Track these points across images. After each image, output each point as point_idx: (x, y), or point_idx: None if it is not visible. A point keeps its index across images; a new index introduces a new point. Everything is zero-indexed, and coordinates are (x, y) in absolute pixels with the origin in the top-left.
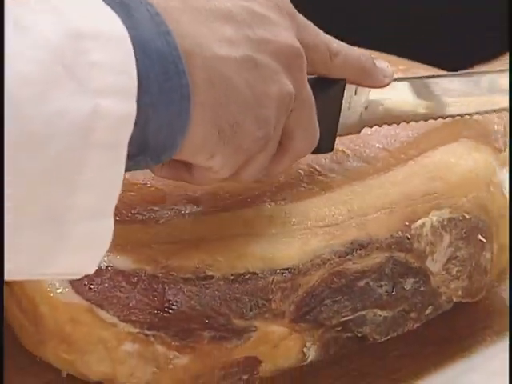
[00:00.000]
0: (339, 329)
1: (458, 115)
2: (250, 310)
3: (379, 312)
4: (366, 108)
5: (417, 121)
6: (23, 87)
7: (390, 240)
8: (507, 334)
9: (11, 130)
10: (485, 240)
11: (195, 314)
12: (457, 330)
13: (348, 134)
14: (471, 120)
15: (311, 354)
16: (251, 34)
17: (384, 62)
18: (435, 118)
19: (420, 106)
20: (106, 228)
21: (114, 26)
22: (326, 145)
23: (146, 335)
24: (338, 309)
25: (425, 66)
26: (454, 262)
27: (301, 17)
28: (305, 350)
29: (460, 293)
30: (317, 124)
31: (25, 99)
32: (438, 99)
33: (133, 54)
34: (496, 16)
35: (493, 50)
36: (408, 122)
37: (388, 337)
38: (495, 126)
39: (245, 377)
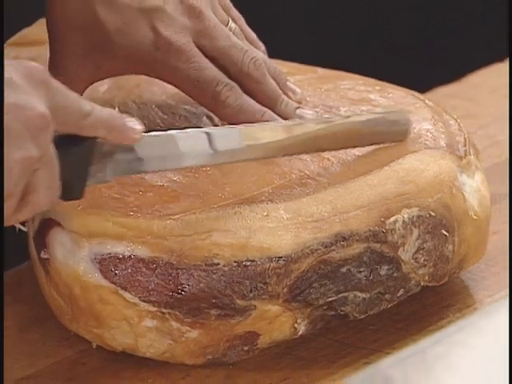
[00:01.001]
0: (325, 308)
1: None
2: (250, 292)
3: (359, 294)
4: (115, 160)
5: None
6: None
7: (368, 233)
8: (467, 311)
9: None
10: (447, 234)
11: (204, 295)
12: (424, 308)
13: (101, 183)
14: (434, 131)
15: (301, 328)
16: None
17: (134, 122)
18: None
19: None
20: None
21: None
22: (75, 194)
23: (163, 313)
24: (324, 291)
25: (399, 87)
26: (421, 252)
27: (53, 82)
28: (296, 325)
29: (427, 278)
30: (58, 181)
31: None
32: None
33: None
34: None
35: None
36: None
37: (366, 314)
38: (456, 137)
39: (246, 348)
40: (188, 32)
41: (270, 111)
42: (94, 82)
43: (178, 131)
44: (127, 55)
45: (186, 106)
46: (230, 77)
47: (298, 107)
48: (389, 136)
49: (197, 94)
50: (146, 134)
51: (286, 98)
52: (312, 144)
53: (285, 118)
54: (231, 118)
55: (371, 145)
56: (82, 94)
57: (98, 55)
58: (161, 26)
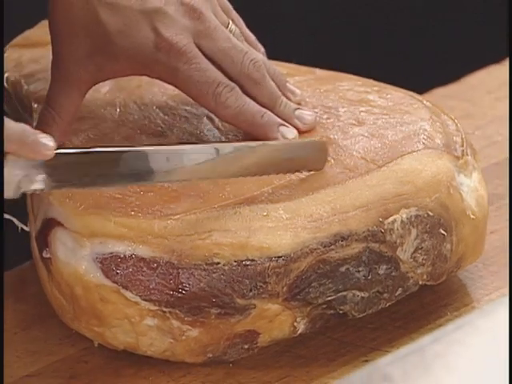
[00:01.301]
0: (324, 307)
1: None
2: (250, 291)
3: (357, 293)
4: (25, 176)
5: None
6: None
7: (366, 233)
8: (465, 309)
9: None
10: (445, 233)
11: (204, 294)
12: (422, 307)
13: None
14: (432, 131)
15: (301, 327)
16: None
17: (47, 138)
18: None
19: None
20: None
21: None
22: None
23: (164, 312)
24: (323, 290)
25: (398, 88)
26: (419, 251)
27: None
28: (295, 324)
29: (425, 277)
30: None
31: None
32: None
33: None
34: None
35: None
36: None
37: (365, 313)
38: (454, 138)
39: (246, 346)
40: (189, 33)
41: (269, 112)
42: (95, 84)
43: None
44: (129, 56)
45: (187, 107)
46: (229, 78)
47: (297, 108)
48: (307, 163)
49: (197, 94)
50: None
51: (285, 99)
52: (231, 168)
53: (284, 119)
54: (231, 118)
55: (288, 172)
56: (84, 96)
57: (99, 57)
58: (162, 27)
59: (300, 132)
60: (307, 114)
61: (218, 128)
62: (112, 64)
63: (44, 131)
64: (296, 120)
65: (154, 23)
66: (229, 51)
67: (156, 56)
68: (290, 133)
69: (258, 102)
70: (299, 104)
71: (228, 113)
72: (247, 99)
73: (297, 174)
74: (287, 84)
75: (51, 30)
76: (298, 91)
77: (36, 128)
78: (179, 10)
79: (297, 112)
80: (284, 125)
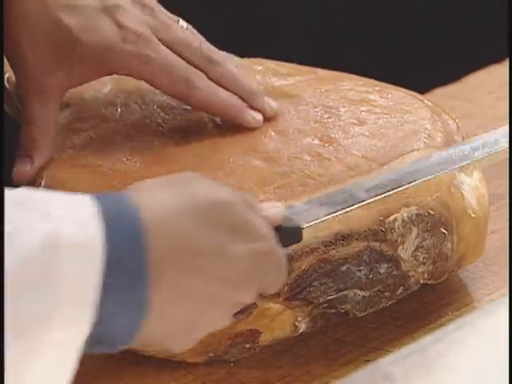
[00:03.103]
0: (325, 306)
1: None
2: None
3: (358, 292)
4: None
5: None
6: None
7: (367, 232)
8: (466, 309)
9: None
10: (446, 232)
11: None
12: (423, 307)
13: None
14: (433, 131)
15: (302, 326)
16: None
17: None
18: None
19: None
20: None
21: (94, 240)
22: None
23: None
24: (324, 289)
25: (399, 88)
26: (420, 250)
27: None
28: (297, 323)
29: (426, 276)
30: None
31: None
32: None
33: (100, 269)
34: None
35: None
36: None
37: (366, 312)
38: (455, 137)
39: (247, 346)
40: (147, 26)
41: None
42: (69, 89)
43: None
44: (96, 55)
45: (188, 107)
46: None
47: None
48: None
49: (169, 81)
50: None
51: (249, 82)
52: None
53: (250, 103)
54: (204, 101)
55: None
56: (59, 104)
57: (67, 62)
58: (124, 20)
59: (266, 117)
60: (271, 100)
61: (218, 127)
62: (80, 67)
63: (29, 148)
64: (263, 104)
65: (116, 17)
66: (186, 39)
67: (125, 47)
68: (258, 115)
69: (222, 87)
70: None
71: (200, 95)
72: (214, 83)
73: (297, 173)
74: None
75: (9, 45)
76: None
77: (20, 148)
78: (133, 6)
79: (265, 98)
80: (251, 108)
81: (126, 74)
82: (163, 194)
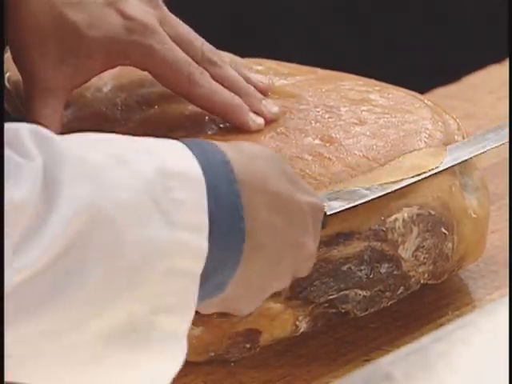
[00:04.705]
0: (326, 305)
1: None
2: None
3: (359, 291)
4: None
5: None
6: (121, 212)
7: (368, 232)
8: (466, 309)
9: (113, 253)
10: (447, 232)
11: None
12: (424, 306)
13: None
14: (433, 130)
15: (303, 326)
16: None
17: None
18: None
19: None
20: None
21: (193, 168)
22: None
23: None
24: (325, 289)
25: (399, 87)
26: (421, 250)
27: None
28: (297, 322)
29: (426, 276)
30: None
31: (123, 224)
32: None
33: (206, 196)
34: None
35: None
36: None
37: (367, 312)
38: (455, 137)
39: (248, 345)
40: (153, 17)
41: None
42: (74, 89)
43: None
44: (102, 49)
45: (189, 107)
46: None
47: (263, 98)
48: None
49: (171, 74)
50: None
51: (248, 85)
52: None
53: (250, 106)
54: (205, 98)
55: None
56: (64, 103)
57: (74, 58)
58: (130, 10)
59: (266, 120)
60: (273, 104)
61: (220, 127)
62: (88, 62)
63: None
64: (262, 108)
65: (121, 9)
66: (188, 36)
67: (130, 38)
68: (259, 119)
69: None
70: (265, 94)
71: (202, 92)
72: (216, 82)
73: (297, 172)
74: (250, 74)
75: (15, 44)
76: (265, 79)
77: None
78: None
79: (263, 101)
80: (252, 111)
81: (131, 65)
82: (237, 146)
